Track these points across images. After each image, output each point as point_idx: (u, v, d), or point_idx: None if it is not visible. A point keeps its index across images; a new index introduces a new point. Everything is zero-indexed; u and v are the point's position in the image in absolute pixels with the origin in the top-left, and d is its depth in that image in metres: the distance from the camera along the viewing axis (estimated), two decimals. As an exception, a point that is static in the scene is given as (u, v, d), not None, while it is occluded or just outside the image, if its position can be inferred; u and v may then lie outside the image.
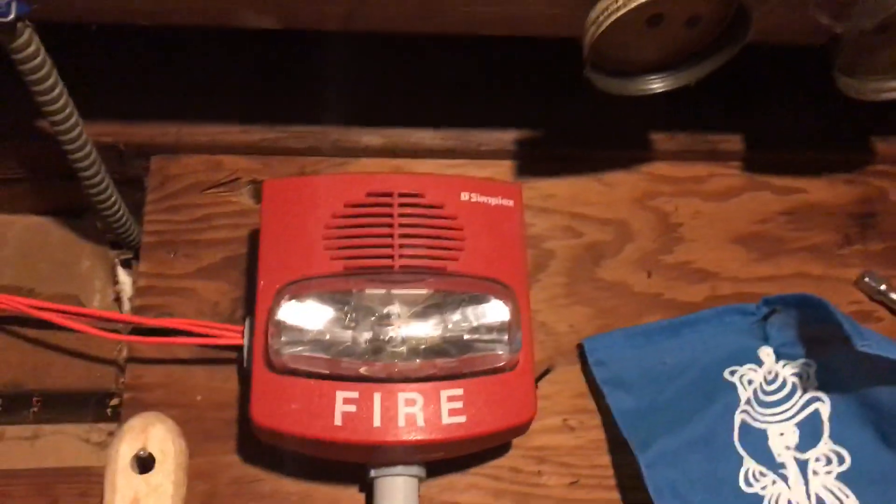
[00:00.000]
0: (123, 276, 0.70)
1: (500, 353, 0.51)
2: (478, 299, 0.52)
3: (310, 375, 0.51)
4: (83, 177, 0.61)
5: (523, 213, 0.58)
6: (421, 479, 0.54)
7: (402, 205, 0.54)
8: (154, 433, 0.49)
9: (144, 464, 0.49)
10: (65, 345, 0.61)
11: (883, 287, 0.66)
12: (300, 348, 0.50)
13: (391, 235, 0.54)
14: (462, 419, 0.50)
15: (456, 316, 0.51)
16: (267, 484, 0.57)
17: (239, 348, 0.59)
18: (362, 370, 0.50)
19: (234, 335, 0.57)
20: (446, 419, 0.50)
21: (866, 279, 0.67)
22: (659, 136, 0.70)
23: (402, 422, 0.50)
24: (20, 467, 0.64)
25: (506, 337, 0.51)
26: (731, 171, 0.71)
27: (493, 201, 0.57)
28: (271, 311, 0.51)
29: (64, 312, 0.56)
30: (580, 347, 0.63)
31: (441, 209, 0.55)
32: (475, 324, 0.51)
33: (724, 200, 0.70)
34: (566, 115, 0.70)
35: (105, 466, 0.49)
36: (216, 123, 0.67)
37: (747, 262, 0.68)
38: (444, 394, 0.51)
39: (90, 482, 0.56)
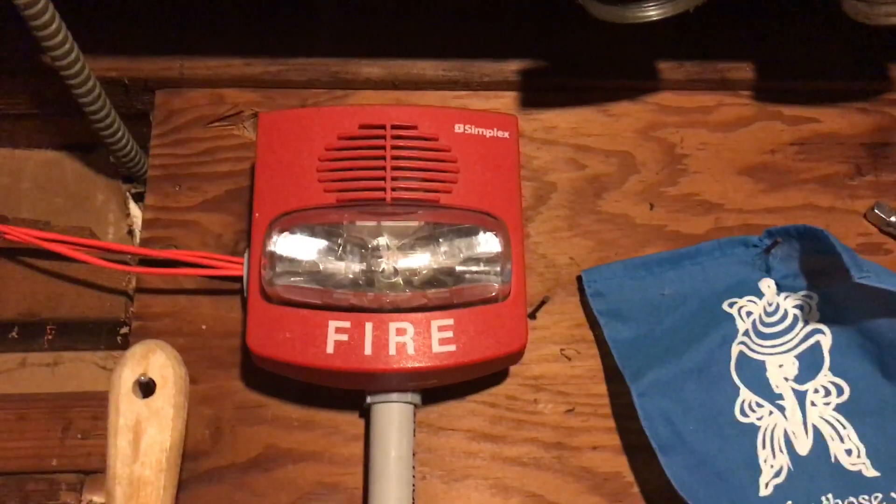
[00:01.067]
0: (135, 209, 0.72)
1: (491, 283, 0.52)
2: (468, 231, 0.52)
3: (303, 305, 0.52)
4: (88, 111, 0.63)
5: (518, 145, 0.58)
6: (417, 406, 0.55)
7: (395, 137, 0.55)
8: (155, 360, 0.51)
9: (146, 389, 0.51)
10: (76, 276, 0.63)
11: (893, 218, 0.65)
12: (293, 279, 0.51)
13: (384, 168, 0.54)
14: (452, 348, 0.51)
15: (446, 247, 0.52)
16: (269, 409, 0.59)
17: (241, 279, 0.61)
18: (354, 300, 0.51)
19: (235, 266, 0.59)
20: (437, 348, 0.51)
21: (876, 210, 0.66)
22: (666, 65, 0.69)
23: (392, 350, 0.51)
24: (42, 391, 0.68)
25: (497, 268, 0.52)
26: (741, 100, 0.70)
27: (489, 133, 0.56)
28: (264, 242, 0.52)
29: (74, 244, 0.58)
30: (579, 279, 0.63)
31: (435, 141, 0.55)
32: (466, 255, 0.52)
33: (731, 131, 0.69)
34: (570, 45, 0.69)
35: (109, 391, 0.51)
36: (219, 57, 0.67)
37: (754, 194, 0.67)
38: (435, 323, 0.52)
39: (102, 406, 0.58)
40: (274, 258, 0.51)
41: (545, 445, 0.59)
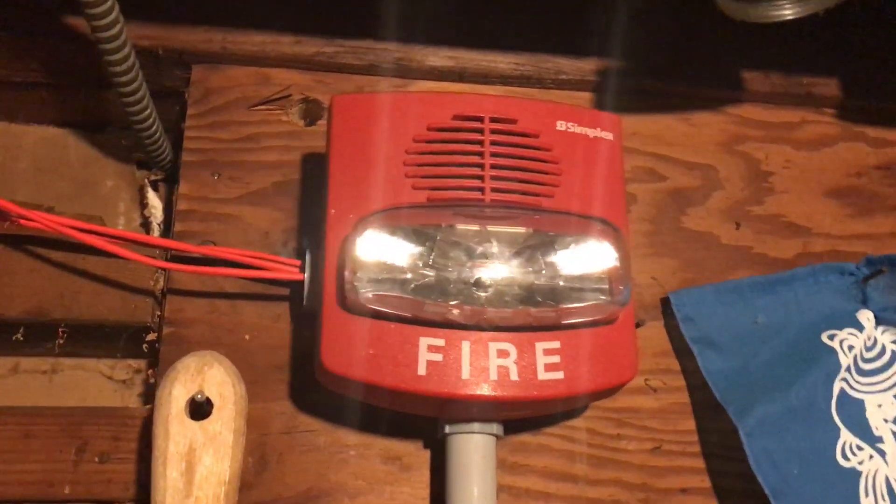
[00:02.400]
0: (154, 200, 0.63)
1: (604, 303, 0.45)
2: (582, 241, 0.45)
3: (390, 318, 0.44)
4: (119, 83, 0.54)
5: (623, 148, 0.52)
6: (498, 438, 0.49)
7: (494, 131, 0.48)
8: (212, 375, 0.43)
9: (200, 409, 0.43)
10: (95, 270, 0.54)
11: None
12: (380, 287, 0.44)
13: (482, 165, 0.47)
14: (559, 375, 0.45)
15: (556, 259, 0.45)
16: (322, 435, 0.51)
17: (295, 284, 0.53)
18: (449, 314, 0.44)
19: (290, 270, 0.51)
20: (542, 374, 0.44)
21: (969, 243, 0.61)
22: (752, 75, 0.64)
23: (493, 375, 0.44)
24: (39, 404, 0.58)
25: (612, 285, 0.45)
26: (825, 118, 0.65)
27: (592, 133, 0.50)
28: (347, 243, 0.45)
29: (101, 235, 0.49)
30: (665, 302, 0.57)
31: (536, 138, 0.49)
32: (578, 269, 0.45)
33: (816, 150, 0.64)
34: (652, 47, 0.63)
35: (154, 410, 0.43)
36: (266, 32, 0.59)
37: (841, 218, 0.62)
38: (540, 346, 0.45)
39: (124, 425, 0.50)
40: (360, 262, 0.44)
41: (629, 487, 0.53)
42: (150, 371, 0.56)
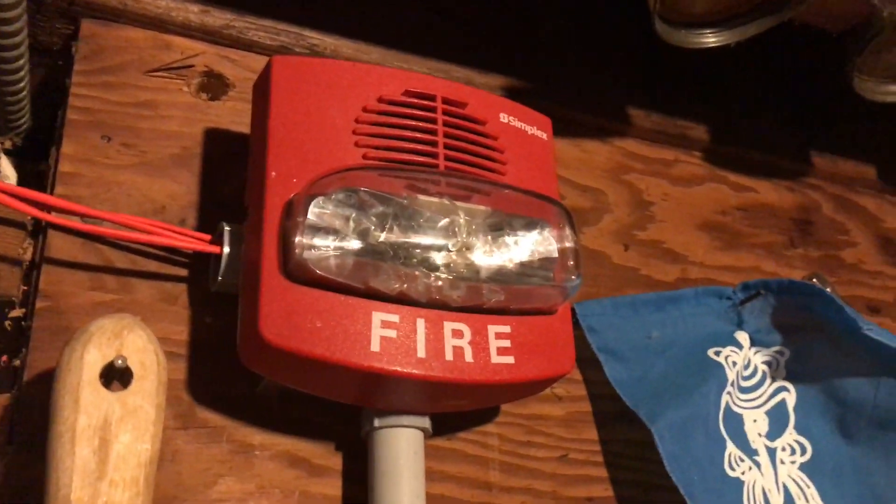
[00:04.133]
0: (8, 168, 0.54)
1: (553, 291, 0.45)
2: (540, 224, 0.45)
3: (339, 289, 0.41)
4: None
5: (554, 150, 0.52)
6: (426, 436, 0.46)
7: (445, 112, 0.46)
8: (132, 340, 0.37)
9: (115, 379, 0.36)
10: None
11: (828, 290, 0.68)
12: (331, 254, 0.40)
13: (435, 143, 0.45)
14: (510, 360, 0.43)
15: (512, 239, 0.44)
16: (223, 432, 0.45)
17: (199, 264, 0.48)
18: (405, 288, 0.41)
19: (201, 243, 0.46)
20: (495, 358, 0.42)
21: (815, 280, 0.68)
22: (637, 113, 0.68)
23: (449, 355, 0.41)
24: None
25: (566, 271, 0.45)
26: (695, 159, 0.71)
27: (530, 130, 0.50)
28: (294, 206, 0.41)
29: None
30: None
31: (483, 125, 0.48)
32: (534, 252, 0.44)
33: (688, 187, 0.69)
34: (554, 73, 0.66)
35: (58, 375, 0.35)
36: (174, -5, 0.54)
37: (711, 250, 0.67)
38: (492, 329, 0.43)
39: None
40: (310, 226, 0.40)
41: (540, 495, 0.52)
42: (2, 357, 0.46)
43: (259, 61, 0.56)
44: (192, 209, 0.50)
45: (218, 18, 0.55)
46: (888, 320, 0.72)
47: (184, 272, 0.48)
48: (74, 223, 0.45)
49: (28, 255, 0.47)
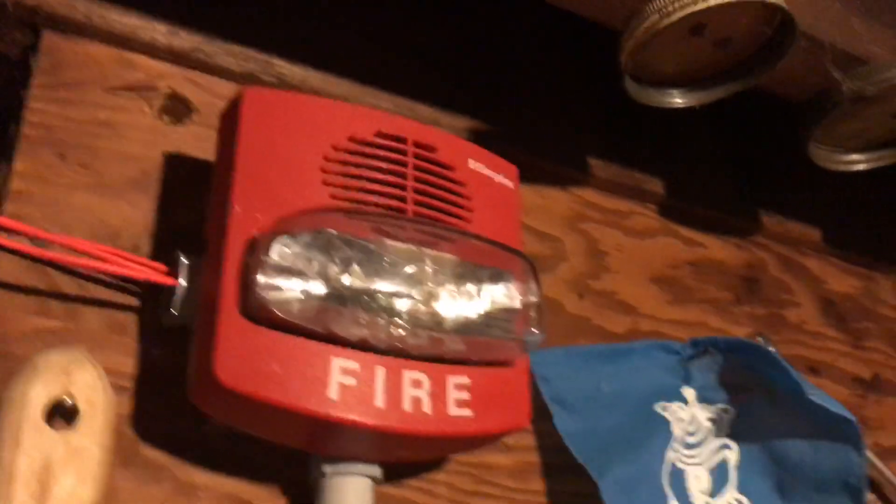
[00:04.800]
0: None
1: (511, 343, 0.45)
2: (502, 276, 0.44)
3: (299, 332, 0.40)
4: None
5: (520, 199, 0.52)
6: (376, 484, 0.45)
7: (416, 155, 0.46)
8: (80, 377, 0.35)
9: (62, 416, 0.35)
10: None
11: (771, 349, 0.69)
12: (293, 296, 0.39)
13: (404, 186, 0.45)
14: (468, 413, 0.42)
15: (477, 291, 0.44)
16: (166, 470, 0.44)
17: (150, 294, 0.46)
18: (366, 335, 0.40)
19: (157, 273, 0.44)
20: (453, 410, 0.42)
21: (759, 339, 0.70)
22: (595, 162, 0.69)
23: (407, 405, 0.41)
24: None
25: (528, 324, 0.44)
26: (649, 212, 0.72)
27: (497, 178, 0.50)
28: (258, 244, 0.40)
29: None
30: (520, 360, 0.57)
31: (452, 171, 0.48)
32: (496, 304, 0.44)
33: (641, 239, 0.70)
34: (516, 116, 0.66)
35: (1, 412, 0.34)
36: (141, 14, 0.53)
37: (662, 303, 0.68)
38: (451, 380, 0.43)
39: None
40: (272, 266, 0.39)
41: (485, 546, 0.51)
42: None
43: (225, 87, 0.55)
44: (146, 235, 0.48)
45: (186, 41, 0.54)
46: (827, 381, 0.73)
47: (135, 301, 0.47)
48: (23, 245, 0.43)
49: (-32, 275, 0.45)
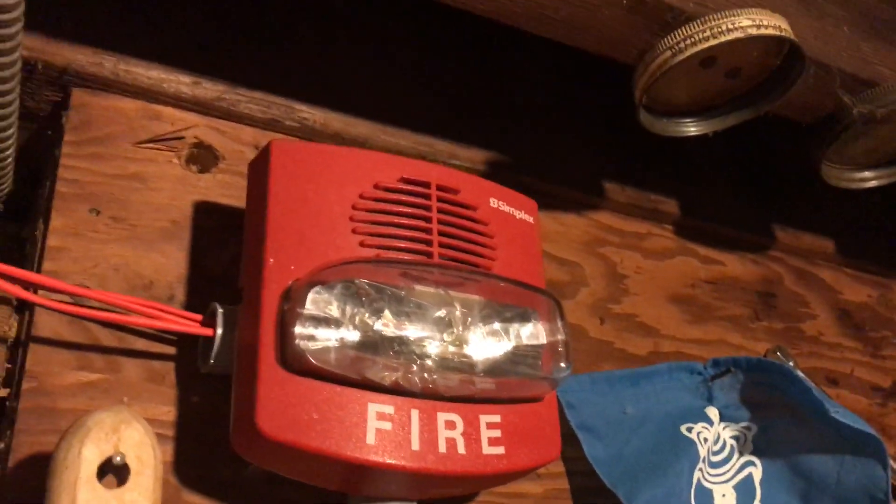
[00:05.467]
0: (-12, 235, 0.54)
1: (540, 380, 0.46)
2: (528, 315, 0.46)
3: (335, 380, 0.41)
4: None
5: (540, 233, 0.53)
6: (412, 521, 0.46)
7: (440, 199, 0.47)
8: (129, 435, 0.37)
9: (111, 475, 0.36)
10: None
11: (791, 363, 0.70)
12: (328, 345, 0.41)
13: (429, 230, 0.46)
14: (500, 451, 0.44)
15: (504, 329, 0.45)
16: (210, 516, 0.45)
17: (187, 342, 0.47)
18: (400, 379, 0.42)
19: (190, 323, 0.46)
20: (486, 449, 0.43)
21: (778, 353, 0.71)
22: (612, 186, 0.70)
23: (442, 447, 0.42)
24: None
25: (555, 361, 0.46)
26: (666, 232, 0.73)
27: (518, 214, 0.52)
28: (293, 295, 0.41)
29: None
30: (546, 388, 0.58)
31: (475, 211, 0.49)
32: (525, 342, 0.45)
33: (660, 260, 0.71)
34: (531, 145, 0.67)
35: (51, 474, 0.35)
36: (165, 66, 0.54)
37: (682, 323, 0.69)
38: (484, 419, 0.44)
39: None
40: (308, 317, 0.40)
41: (519, 574, 0.52)
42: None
43: (248, 133, 0.57)
44: (180, 284, 0.50)
45: (209, 90, 0.55)
46: (846, 391, 0.74)
47: (171, 350, 0.48)
48: (60, 304, 0.44)
49: (13, 333, 0.46)
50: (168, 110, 0.55)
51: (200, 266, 0.51)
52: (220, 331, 0.44)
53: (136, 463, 0.36)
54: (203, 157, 0.55)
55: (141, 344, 0.47)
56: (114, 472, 0.36)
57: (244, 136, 0.56)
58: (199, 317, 0.46)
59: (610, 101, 0.66)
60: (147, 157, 0.53)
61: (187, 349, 0.48)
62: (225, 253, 0.51)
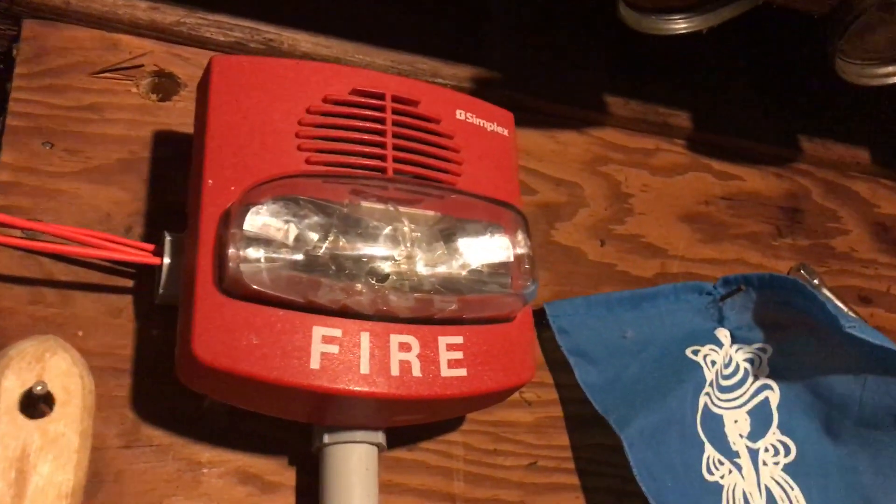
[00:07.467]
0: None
1: (508, 298, 0.43)
2: (491, 229, 0.43)
3: (278, 303, 0.39)
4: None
5: (517, 146, 0.50)
6: (381, 450, 0.44)
7: (395, 111, 0.44)
8: (55, 364, 0.35)
9: (36, 405, 0.35)
10: None
11: (816, 281, 0.65)
12: (269, 266, 0.38)
13: (383, 144, 0.43)
14: (462, 372, 0.41)
15: (463, 246, 0.42)
16: (169, 450, 0.44)
17: (143, 274, 0.46)
18: (347, 301, 0.39)
19: (142, 253, 0.44)
20: (445, 371, 0.40)
21: (802, 271, 0.66)
22: (614, 100, 0.65)
23: (395, 370, 0.39)
24: None
25: (520, 278, 0.42)
26: (677, 148, 0.68)
27: (489, 126, 0.48)
28: (232, 215, 0.39)
29: None
30: (538, 313, 0.55)
31: (437, 123, 0.46)
32: (486, 259, 0.42)
33: (669, 177, 0.67)
34: (525, 63, 0.63)
35: (-26, 405, 0.34)
36: (119, -8, 0.52)
37: (693, 243, 0.65)
38: (443, 341, 0.41)
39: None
40: (246, 237, 0.38)
41: (507, 505, 0.50)
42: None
43: (206, 57, 0.54)
44: (138, 217, 0.48)
45: (168, 15, 0.53)
46: (880, 310, 0.69)
47: (129, 283, 0.46)
48: (13, 239, 0.43)
49: (-36, 269, 0.45)
50: (125, 38, 0.52)
51: (159, 197, 0.49)
52: (167, 259, 0.43)
53: (62, 393, 0.35)
54: (164, 86, 0.53)
55: (97, 278, 0.46)
56: (40, 403, 0.35)
57: (206, 61, 0.53)
58: (151, 247, 0.45)
59: (605, 10, 0.62)
60: (104, 88, 0.51)
61: (146, 282, 0.46)
62: (185, 183, 0.49)
